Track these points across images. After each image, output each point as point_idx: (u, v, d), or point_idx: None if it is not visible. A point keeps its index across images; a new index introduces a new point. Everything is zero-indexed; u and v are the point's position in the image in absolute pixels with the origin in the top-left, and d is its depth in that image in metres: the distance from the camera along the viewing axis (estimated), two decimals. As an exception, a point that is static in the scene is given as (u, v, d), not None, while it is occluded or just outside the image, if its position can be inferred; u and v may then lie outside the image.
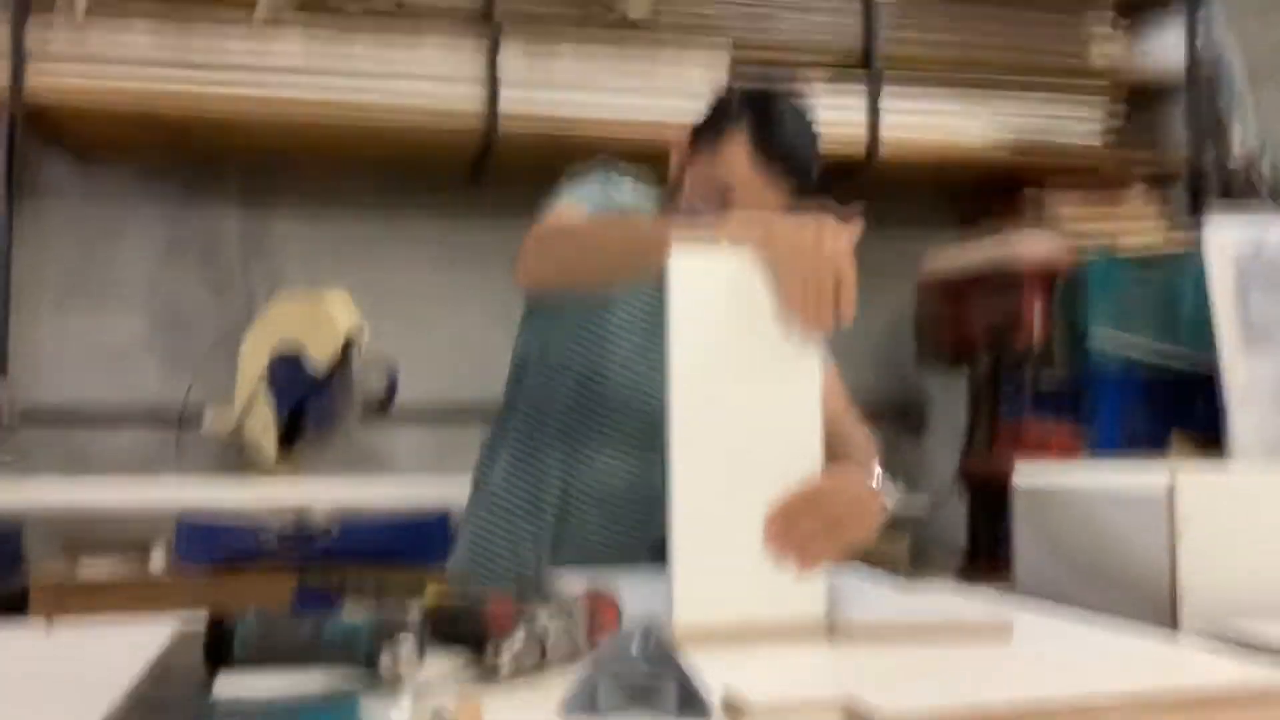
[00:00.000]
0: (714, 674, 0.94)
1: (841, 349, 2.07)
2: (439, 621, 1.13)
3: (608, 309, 1.67)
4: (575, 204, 1.59)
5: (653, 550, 1.50)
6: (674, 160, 1.65)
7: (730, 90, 1.63)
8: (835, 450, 1.27)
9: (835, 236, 1.17)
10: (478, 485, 1.78)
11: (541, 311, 1.71)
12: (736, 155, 1.53)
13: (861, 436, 1.57)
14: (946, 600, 1.41)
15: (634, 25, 2.99)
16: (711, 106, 1.62)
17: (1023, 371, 2.79)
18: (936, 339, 3.05)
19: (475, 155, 3.07)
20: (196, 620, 1.07)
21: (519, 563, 1.68)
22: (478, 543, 1.73)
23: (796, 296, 1.15)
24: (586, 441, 1.68)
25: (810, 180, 1.54)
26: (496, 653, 1.00)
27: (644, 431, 1.64)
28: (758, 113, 1.54)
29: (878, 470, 1.40)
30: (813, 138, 1.56)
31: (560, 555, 1.67)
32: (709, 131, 1.59)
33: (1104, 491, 1.53)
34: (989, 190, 3.57)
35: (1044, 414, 2.99)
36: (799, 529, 1.20)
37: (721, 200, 1.52)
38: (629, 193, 1.67)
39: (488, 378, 3.31)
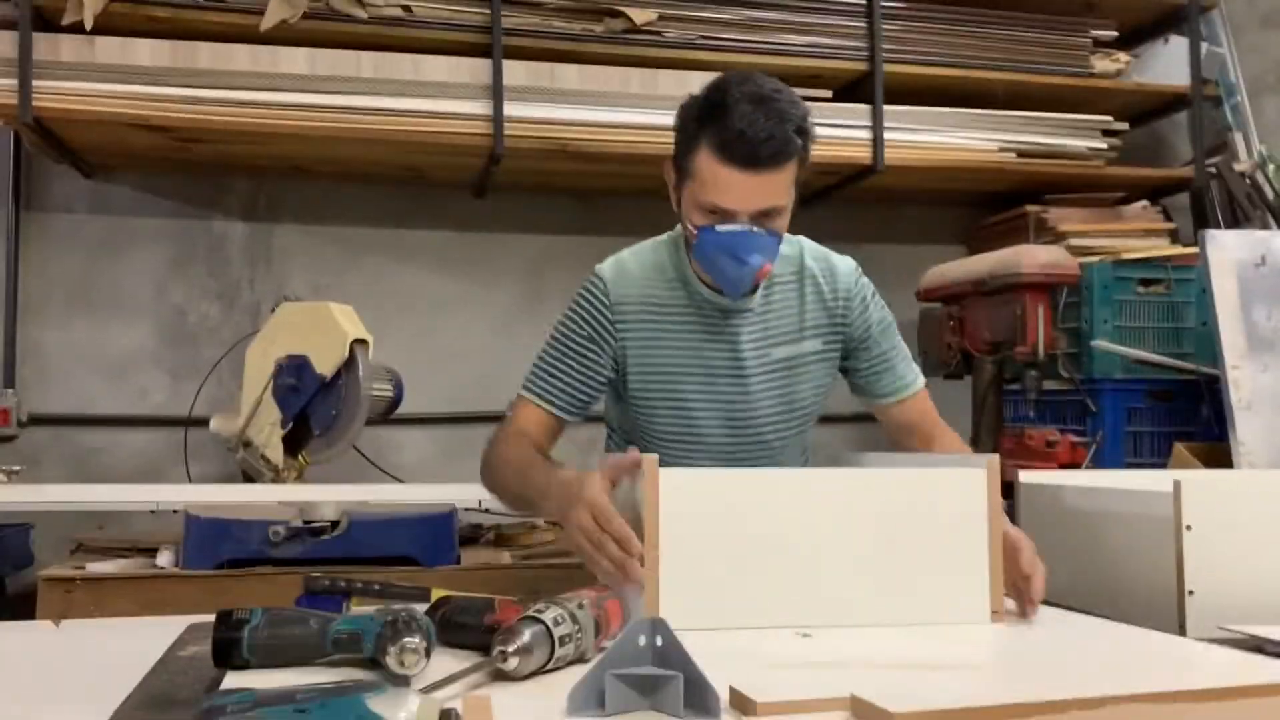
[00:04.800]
0: (721, 671, 0.94)
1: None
2: (446, 620, 1.14)
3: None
4: (532, 403, 1.65)
5: None
6: (668, 180, 1.65)
7: (686, 104, 1.59)
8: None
9: (582, 509, 1.28)
10: None
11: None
12: (709, 171, 1.50)
13: (960, 442, 1.72)
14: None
15: (636, 41, 3.01)
16: (676, 126, 1.60)
17: (1026, 380, 2.79)
18: (940, 347, 3.05)
19: (479, 167, 3.08)
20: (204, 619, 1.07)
21: None
22: None
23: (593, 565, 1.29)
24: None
25: (796, 153, 1.50)
26: (505, 651, 1.00)
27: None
28: (714, 119, 1.50)
29: None
30: (780, 115, 1.48)
31: None
32: (680, 153, 1.58)
33: (1108, 496, 1.53)
34: (992, 203, 3.59)
35: (1047, 422, 3.00)
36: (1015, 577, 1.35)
37: (720, 220, 1.51)
38: (613, 287, 1.66)
39: (490, 385, 3.35)
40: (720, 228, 1.52)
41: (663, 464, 1.36)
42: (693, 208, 1.55)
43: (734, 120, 1.47)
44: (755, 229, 1.51)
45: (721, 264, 1.54)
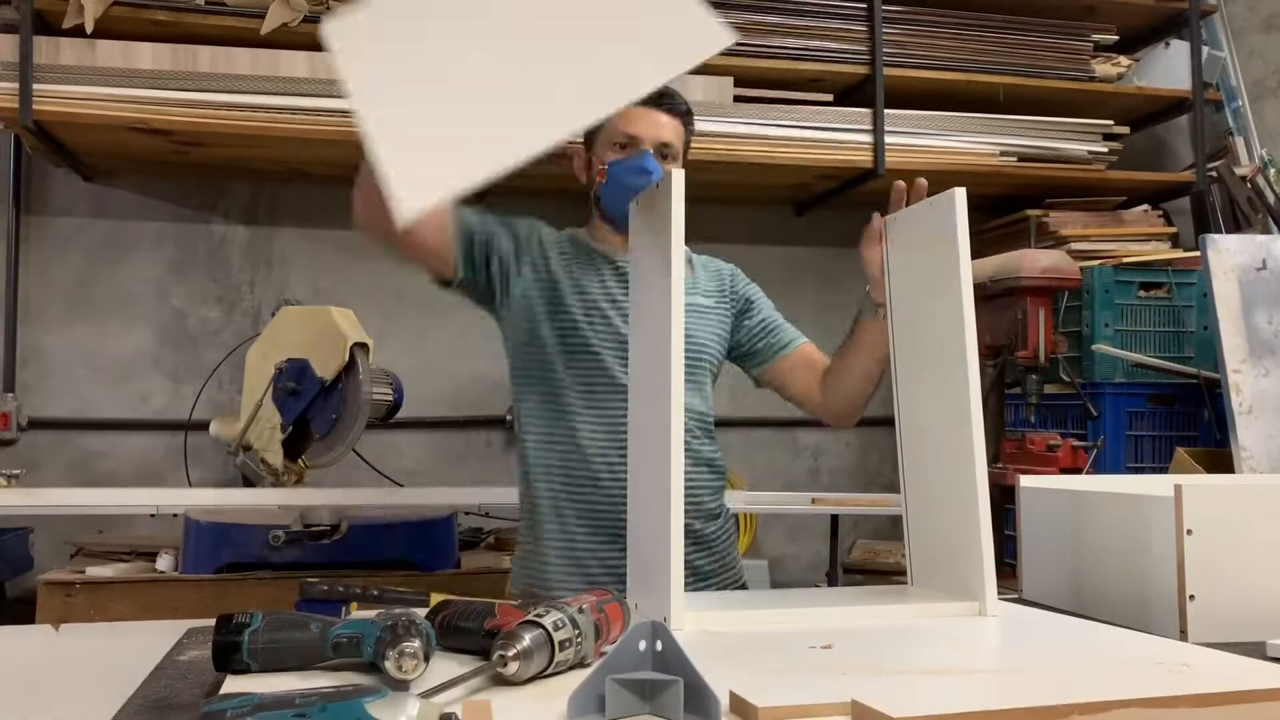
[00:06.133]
0: (721, 676, 0.94)
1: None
2: (446, 624, 1.13)
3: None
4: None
5: None
6: (578, 165, 1.93)
7: None
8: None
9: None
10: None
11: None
12: (620, 113, 1.77)
13: None
14: None
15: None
16: None
17: (1027, 384, 2.78)
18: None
19: (480, 170, 3.07)
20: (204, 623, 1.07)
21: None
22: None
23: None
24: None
25: (683, 111, 1.87)
26: (505, 656, 0.99)
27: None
28: None
29: None
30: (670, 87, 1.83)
31: None
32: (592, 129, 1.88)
33: (1110, 501, 1.53)
34: (993, 207, 3.58)
35: (1048, 427, 2.99)
36: None
37: (626, 148, 1.81)
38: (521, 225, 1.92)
39: (490, 389, 3.35)
40: (628, 158, 1.81)
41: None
42: (604, 149, 1.84)
43: None
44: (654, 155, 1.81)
45: (628, 181, 1.78)
